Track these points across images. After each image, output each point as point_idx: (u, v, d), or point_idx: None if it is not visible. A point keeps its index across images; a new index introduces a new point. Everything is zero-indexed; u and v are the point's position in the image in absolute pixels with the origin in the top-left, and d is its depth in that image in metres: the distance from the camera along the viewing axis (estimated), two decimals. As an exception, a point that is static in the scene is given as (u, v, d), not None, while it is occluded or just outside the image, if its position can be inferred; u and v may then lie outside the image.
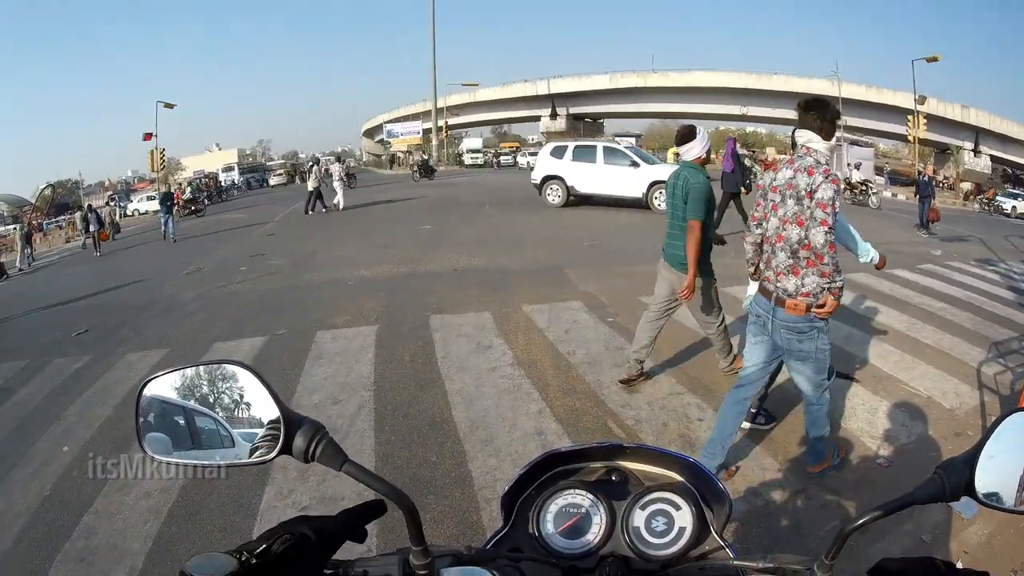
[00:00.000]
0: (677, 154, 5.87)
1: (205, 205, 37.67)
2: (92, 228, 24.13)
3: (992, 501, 0.98)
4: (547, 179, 21.09)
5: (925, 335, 7.61)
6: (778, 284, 3.91)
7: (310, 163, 28.16)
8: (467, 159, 66.14)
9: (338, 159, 32.03)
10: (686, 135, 5.47)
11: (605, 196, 20.06)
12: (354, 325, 8.07)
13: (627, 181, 19.53)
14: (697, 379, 5.99)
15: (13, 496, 4.72)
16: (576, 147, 21.12)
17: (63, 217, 45.74)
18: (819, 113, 3.81)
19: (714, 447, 4.19)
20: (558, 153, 21.15)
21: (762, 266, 4.12)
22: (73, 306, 11.83)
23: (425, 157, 47.39)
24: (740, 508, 3.98)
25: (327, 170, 25.92)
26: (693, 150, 5.40)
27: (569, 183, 20.57)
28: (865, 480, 4.42)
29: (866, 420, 5.30)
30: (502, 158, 64.77)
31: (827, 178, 3.65)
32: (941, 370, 6.46)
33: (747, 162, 20.93)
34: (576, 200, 20.64)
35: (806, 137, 3.83)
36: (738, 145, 17.57)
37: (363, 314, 8.55)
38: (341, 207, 23.91)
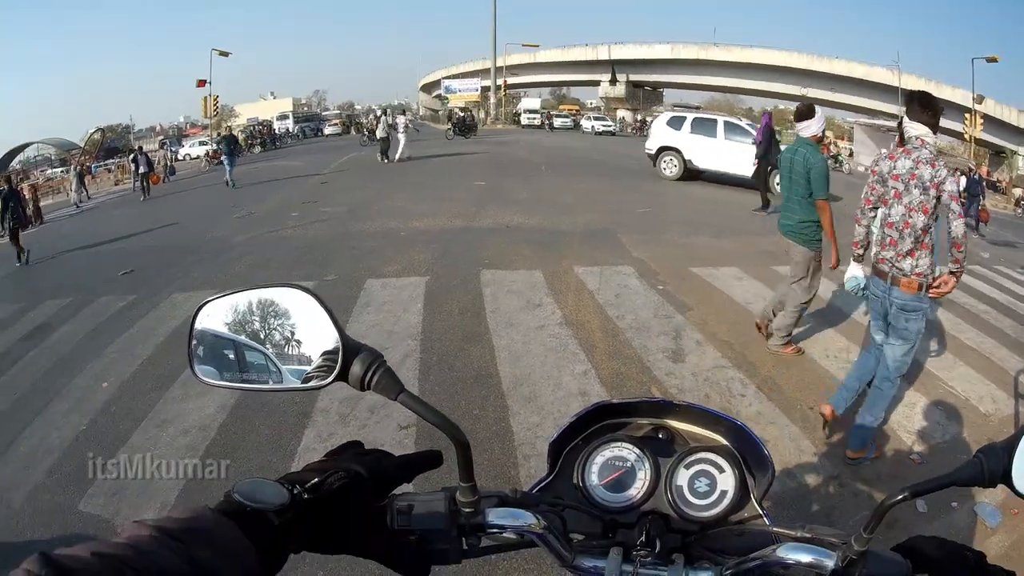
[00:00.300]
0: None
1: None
2: (142, 170, 24.16)
3: None
4: (663, 150, 20.14)
5: (967, 336, 7.53)
6: (895, 264, 4.19)
7: (380, 113, 29.98)
8: (524, 119, 62.46)
9: (403, 111, 31.93)
10: (804, 113, 5.78)
11: (721, 173, 19.24)
12: (404, 275, 8.11)
13: (748, 159, 17.12)
14: (742, 355, 6.00)
15: (49, 430, 4.89)
16: (695, 119, 20.22)
17: (112, 161, 46.03)
18: (931, 110, 4.11)
19: (838, 399, 4.63)
20: (675, 124, 20.15)
21: (876, 248, 4.38)
22: (121, 246, 12.07)
23: (462, 114, 42.96)
24: (774, 489, 3.92)
25: (394, 121, 25.95)
26: (811, 127, 5.70)
27: (687, 156, 19.61)
28: (898, 474, 4.42)
29: (904, 415, 5.29)
30: (557, 120, 60.42)
31: (950, 172, 4.06)
32: (980, 373, 6.39)
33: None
34: (688, 175, 19.60)
35: (920, 131, 4.11)
36: (772, 120, 17.20)
37: (414, 265, 8.58)
38: (406, 157, 24.49)
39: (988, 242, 17.29)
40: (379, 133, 25.09)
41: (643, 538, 1.14)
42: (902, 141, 4.28)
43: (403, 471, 1.02)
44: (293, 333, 0.97)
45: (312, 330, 0.96)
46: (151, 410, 4.90)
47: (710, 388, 5.33)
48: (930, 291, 4.17)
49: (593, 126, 55.35)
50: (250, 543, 0.73)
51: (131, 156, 28.45)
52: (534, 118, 61.26)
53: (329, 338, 0.95)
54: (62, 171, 51.75)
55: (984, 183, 18.29)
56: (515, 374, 5.37)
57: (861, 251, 4.56)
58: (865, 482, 4.25)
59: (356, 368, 0.93)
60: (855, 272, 4.66)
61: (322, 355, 0.95)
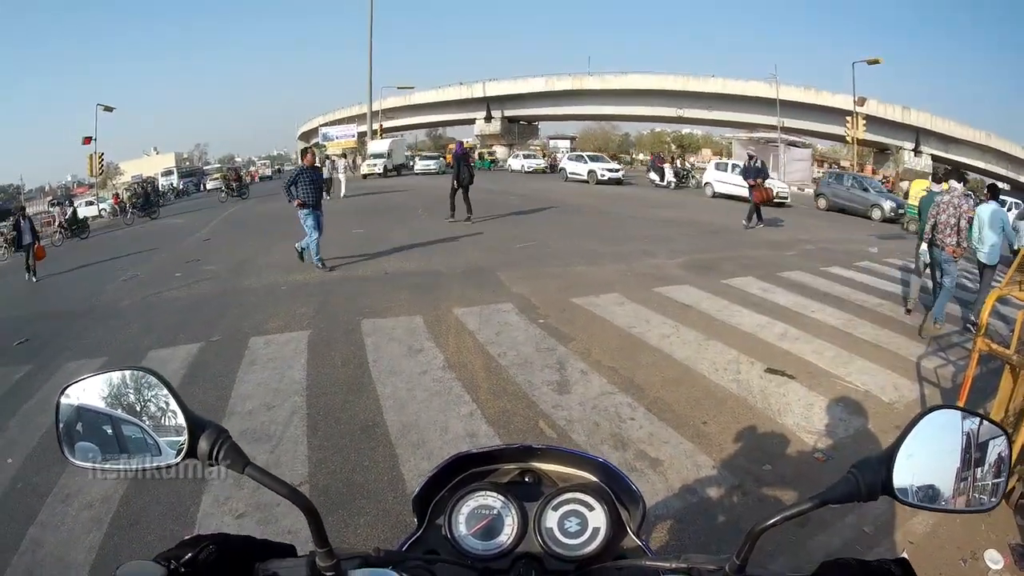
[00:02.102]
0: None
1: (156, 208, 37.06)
2: (26, 240, 16.57)
3: (912, 499, 0.98)
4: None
5: (862, 331, 7.76)
6: (944, 241, 8.41)
7: (328, 157, 36.13)
8: (365, 167, 49.92)
9: (343, 155, 38.62)
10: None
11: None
12: (287, 330, 7.95)
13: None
14: (629, 379, 6.01)
15: None
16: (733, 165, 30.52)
17: (3, 224, 44.40)
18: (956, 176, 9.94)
19: (939, 312, 8.33)
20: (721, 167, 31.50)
21: (934, 234, 8.58)
22: (10, 314, 11.47)
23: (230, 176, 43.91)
24: (676, 506, 4.01)
25: (334, 163, 32.29)
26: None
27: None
28: (802, 475, 4.43)
29: (802, 416, 5.33)
30: (420, 163, 52.74)
31: (967, 205, 8.44)
32: (879, 365, 6.58)
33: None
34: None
35: (951, 185, 8.81)
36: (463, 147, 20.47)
37: (296, 319, 8.44)
38: (348, 194, 28.19)
39: (877, 237, 17.80)
40: (325, 173, 27.17)
41: None
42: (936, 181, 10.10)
43: (263, 550, 1.06)
44: (148, 405, 1.01)
45: (164, 409, 1.00)
46: (55, 485, 4.65)
47: (599, 415, 5.25)
48: (954, 252, 8.37)
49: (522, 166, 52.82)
50: None
51: (12, 221, 19.31)
52: (375, 166, 48.84)
53: (178, 417, 1.00)
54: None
55: (766, 169, 19.50)
56: (402, 421, 5.25)
57: (928, 237, 8.74)
58: (769, 487, 4.25)
59: (203, 445, 0.98)
60: (924, 248, 9.03)
61: (183, 432, 0.99)
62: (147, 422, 1.00)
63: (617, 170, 39.48)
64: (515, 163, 53.23)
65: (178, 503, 4.23)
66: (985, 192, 9.69)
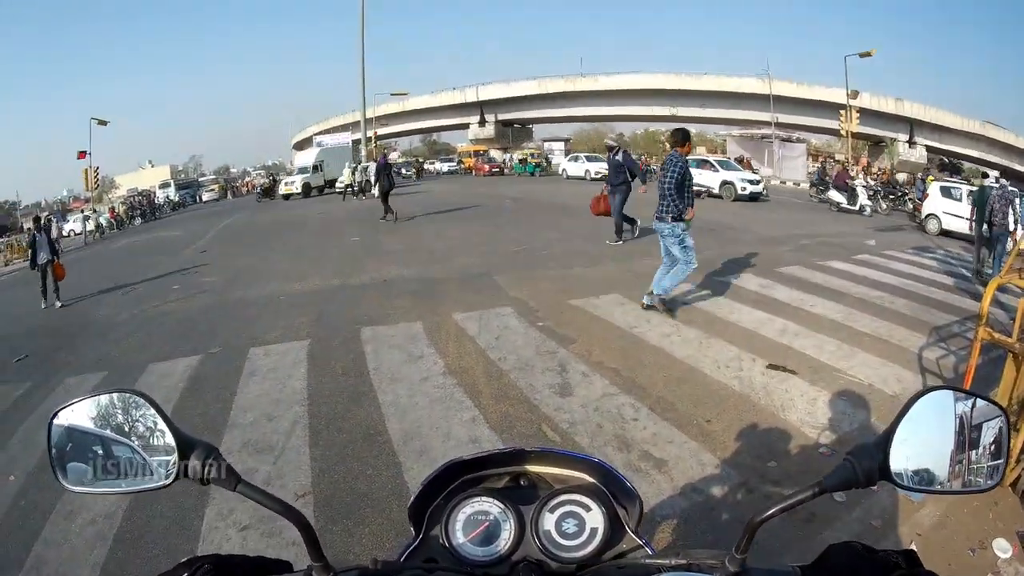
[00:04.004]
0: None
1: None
2: (42, 258, 13.34)
3: (908, 483, 0.98)
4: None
5: (863, 324, 7.73)
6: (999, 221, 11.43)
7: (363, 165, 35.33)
8: (283, 186, 43.05)
9: (373, 159, 35.22)
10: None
11: None
12: (286, 340, 7.94)
13: None
14: (631, 380, 5.98)
15: None
16: None
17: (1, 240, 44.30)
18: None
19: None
20: None
21: (991, 217, 11.83)
22: (9, 330, 11.51)
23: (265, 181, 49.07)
24: (681, 505, 3.99)
25: (366, 168, 32.39)
26: None
27: None
28: (807, 470, 4.39)
29: (805, 411, 5.32)
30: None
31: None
32: (881, 357, 6.55)
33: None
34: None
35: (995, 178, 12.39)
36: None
37: (295, 329, 8.43)
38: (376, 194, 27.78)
39: (875, 230, 17.80)
40: (357, 176, 32.63)
41: None
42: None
43: (259, 568, 1.07)
44: (155, 423, 1.02)
45: (153, 429, 1.02)
46: (58, 501, 4.64)
47: (601, 417, 5.23)
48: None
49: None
50: None
51: (30, 234, 14.52)
52: (294, 184, 41.69)
53: (167, 437, 1.01)
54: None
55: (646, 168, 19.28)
56: (404, 429, 5.22)
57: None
58: (774, 483, 4.21)
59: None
60: None
61: (165, 452, 1.01)
62: (137, 443, 1.02)
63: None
64: (573, 167, 43.75)
65: (182, 517, 4.21)
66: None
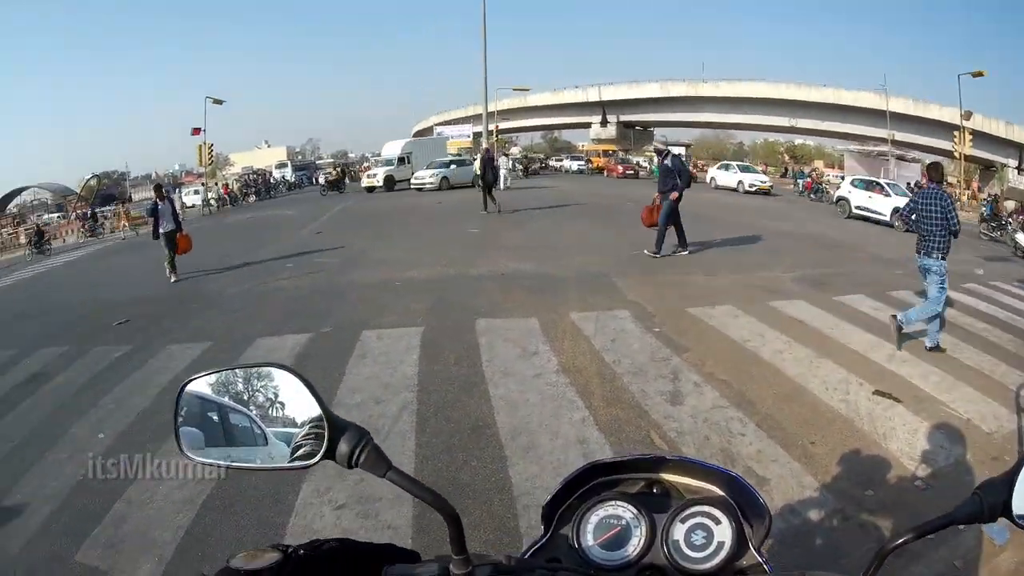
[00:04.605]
0: None
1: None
2: (164, 227, 12.97)
3: None
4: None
5: (966, 356, 7.53)
6: None
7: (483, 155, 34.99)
8: (364, 179, 41.05)
9: (505, 154, 37.56)
10: None
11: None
12: (400, 326, 8.06)
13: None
14: (741, 394, 5.98)
15: (46, 479, 4.84)
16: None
17: (108, 208, 45.80)
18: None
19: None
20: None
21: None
22: (115, 296, 11.97)
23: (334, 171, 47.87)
24: (777, 526, 3.94)
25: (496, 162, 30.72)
26: None
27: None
28: (902, 502, 4.39)
29: (906, 441, 5.26)
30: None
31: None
32: (981, 392, 6.38)
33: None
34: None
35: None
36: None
37: (409, 315, 8.55)
38: (503, 187, 28.80)
39: (984, 259, 17.26)
40: (476, 169, 30.59)
41: None
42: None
43: (388, 554, 1.06)
44: (276, 396, 1.01)
45: (297, 407, 0.99)
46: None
47: (709, 429, 5.28)
48: None
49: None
50: None
51: (151, 203, 13.63)
52: (376, 176, 39.31)
53: (315, 416, 0.98)
54: (58, 216, 51.72)
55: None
56: (512, 424, 5.30)
57: None
58: (869, 513, 4.19)
59: (343, 447, 0.97)
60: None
61: (309, 424, 0.99)
62: (280, 420, 1.00)
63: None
64: (723, 176, 39.42)
65: (276, 490, 4.33)
66: None
